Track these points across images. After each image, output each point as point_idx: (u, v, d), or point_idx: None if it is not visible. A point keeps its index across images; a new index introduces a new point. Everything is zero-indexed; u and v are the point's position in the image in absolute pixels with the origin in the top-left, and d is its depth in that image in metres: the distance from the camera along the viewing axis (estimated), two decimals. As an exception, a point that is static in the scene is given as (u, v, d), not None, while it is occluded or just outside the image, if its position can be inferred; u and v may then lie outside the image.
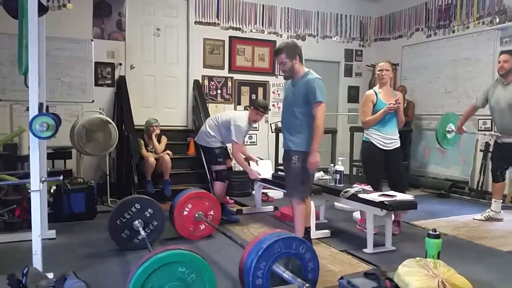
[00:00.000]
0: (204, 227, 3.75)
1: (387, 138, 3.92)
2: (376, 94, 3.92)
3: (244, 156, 4.51)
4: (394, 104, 3.77)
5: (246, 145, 5.32)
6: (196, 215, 3.68)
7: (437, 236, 2.50)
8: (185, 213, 3.67)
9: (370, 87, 7.68)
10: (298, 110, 3.22)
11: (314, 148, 3.15)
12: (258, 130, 6.80)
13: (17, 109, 5.33)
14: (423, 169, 6.72)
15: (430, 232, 2.52)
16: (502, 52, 4.46)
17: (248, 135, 5.36)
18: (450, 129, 4.64)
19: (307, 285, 2.07)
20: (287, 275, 2.18)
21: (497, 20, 5.69)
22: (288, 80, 3.40)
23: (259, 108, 4.35)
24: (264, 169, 5.06)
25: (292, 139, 3.26)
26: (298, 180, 3.24)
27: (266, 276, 2.22)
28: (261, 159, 5.39)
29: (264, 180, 4.61)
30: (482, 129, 5.77)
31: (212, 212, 3.73)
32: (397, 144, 3.98)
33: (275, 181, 4.37)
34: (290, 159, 3.25)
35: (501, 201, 4.58)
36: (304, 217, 3.34)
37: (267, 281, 2.22)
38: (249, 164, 4.65)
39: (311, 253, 2.34)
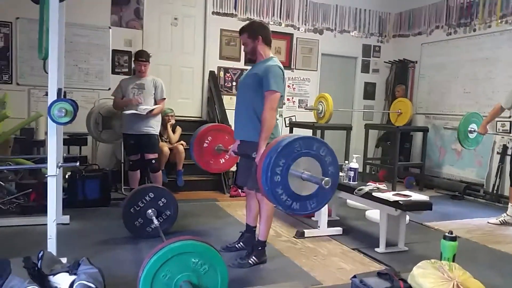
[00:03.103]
0: (223, 161, 3.68)
1: None
2: None
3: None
4: None
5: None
6: (216, 147, 3.60)
7: (453, 239, 2.45)
8: (205, 145, 3.59)
9: (387, 84, 7.63)
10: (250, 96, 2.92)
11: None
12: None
13: (34, 94, 5.39)
14: (438, 170, 6.63)
15: (447, 234, 2.47)
16: None
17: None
18: (472, 129, 4.53)
19: (326, 178, 2.02)
20: (306, 174, 2.12)
21: (521, 19, 5.57)
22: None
23: (135, 58, 4.55)
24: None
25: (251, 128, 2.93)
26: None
27: (284, 174, 2.12)
28: None
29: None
30: (501, 131, 5.66)
31: (231, 146, 3.51)
32: None
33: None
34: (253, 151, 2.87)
35: (517, 205, 4.50)
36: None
37: (285, 179, 2.12)
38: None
39: (332, 157, 2.22)
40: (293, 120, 6.60)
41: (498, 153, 5.73)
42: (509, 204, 4.49)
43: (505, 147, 5.61)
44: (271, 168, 2.09)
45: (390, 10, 7.60)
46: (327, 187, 2.05)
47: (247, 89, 2.96)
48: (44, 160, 2.72)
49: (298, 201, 2.16)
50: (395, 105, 6.41)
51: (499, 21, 5.86)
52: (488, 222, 4.51)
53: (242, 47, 3.11)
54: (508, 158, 5.25)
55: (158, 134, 4.64)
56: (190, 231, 3.65)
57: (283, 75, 2.91)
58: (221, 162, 3.70)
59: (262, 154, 2.32)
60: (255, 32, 2.95)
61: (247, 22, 3.17)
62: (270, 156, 2.11)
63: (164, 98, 4.60)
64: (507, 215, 4.45)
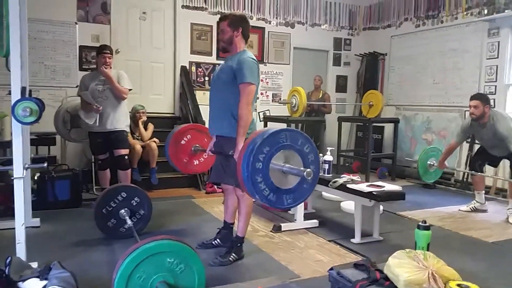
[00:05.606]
0: (198, 162, 3.59)
1: None
2: None
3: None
4: None
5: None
6: (193, 147, 3.50)
7: (427, 228, 2.51)
8: (183, 142, 3.49)
9: (359, 77, 7.70)
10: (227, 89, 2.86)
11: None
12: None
13: (-2, 93, 5.17)
14: (409, 160, 6.75)
15: (420, 223, 2.52)
16: (471, 98, 4.30)
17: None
18: (432, 163, 4.67)
19: (308, 170, 2.02)
20: (287, 167, 2.11)
21: (485, 11, 5.70)
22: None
23: (99, 51, 4.32)
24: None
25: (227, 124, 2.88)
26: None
27: (266, 162, 2.09)
28: None
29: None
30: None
31: (209, 146, 3.42)
32: None
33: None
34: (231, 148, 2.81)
35: (484, 192, 4.63)
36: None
37: (266, 167, 2.09)
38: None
39: (315, 155, 2.22)
40: (267, 114, 6.60)
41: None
42: (475, 191, 4.64)
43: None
44: (254, 153, 2.05)
45: (359, 3, 7.66)
46: (309, 178, 2.04)
47: (222, 84, 2.89)
48: (10, 162, 2.61)
49: (276, 193, 2.13)
50: (366, 97, 6.49)
51: (465, 13, 6.00)
52: (459, 210, 4.63)
53: (217, 35, 3.02)
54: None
55: (126, 130, 4.46)
56: (166, 230, 3.58)
57: (258, 69, 2.87)
58: (195, 163, 3.60)
59: (243, 147, 2.28)
60: (237, 23, 2.88)
61: (228, 12, 3.07)
62: (255, 142, 2.08)
63: (130, 89, 4.38)
64: (477, 201, 4.59)
